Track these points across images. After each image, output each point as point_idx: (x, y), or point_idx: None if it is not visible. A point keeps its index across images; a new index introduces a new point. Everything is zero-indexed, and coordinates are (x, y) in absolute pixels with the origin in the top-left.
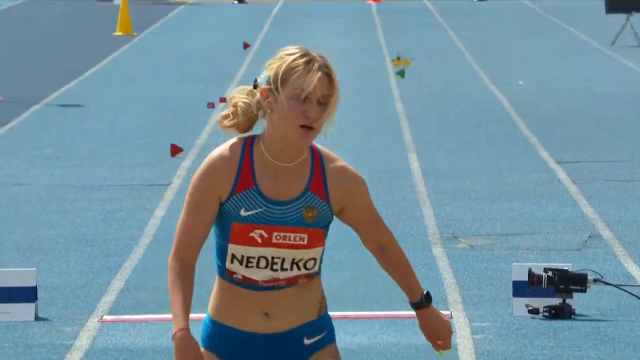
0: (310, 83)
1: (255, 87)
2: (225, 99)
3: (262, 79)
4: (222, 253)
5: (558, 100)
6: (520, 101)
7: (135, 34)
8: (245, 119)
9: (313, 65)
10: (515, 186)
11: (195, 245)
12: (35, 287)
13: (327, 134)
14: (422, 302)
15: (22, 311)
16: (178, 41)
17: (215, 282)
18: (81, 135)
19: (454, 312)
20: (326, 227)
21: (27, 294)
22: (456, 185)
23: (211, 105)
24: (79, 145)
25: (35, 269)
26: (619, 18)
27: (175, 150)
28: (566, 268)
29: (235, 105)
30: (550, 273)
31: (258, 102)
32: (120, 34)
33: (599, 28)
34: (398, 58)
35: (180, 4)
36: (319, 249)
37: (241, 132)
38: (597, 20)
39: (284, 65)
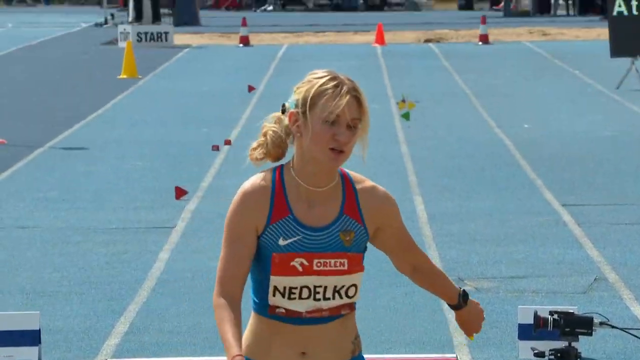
0: (339, 106)
1: (283, 112)
2: (230, 141)
3: (290, 102)
4: (262, 288)
5: (563, 143)
6: (525, 144)
7: (140, 77)
8: (275, 147)
9: (342, 88)
10: (520, 229)
11: (239, 280)
12: (39, 331)
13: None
14: (459, 304)
15: (25, 355)
16: (183, 84)
17: (251, 319)
18: (85, 178)
19: (460, 355)
20: (363, 252)
21: (30, 338)
22: (461, 228)
23: (216, 148)
24: (83, 188)
25: (38, 312)
26: (624, 62)
27: (179, 192)
28: (572, 311)
29: (265, 135)
30: (556, 316)
31: (286, 127)
32: (125, 77)
33: (604, 72)
34: (403, 100)
35: (185, 47)
36: (359, 275)
37: (273, 161)
38: (602, 64)
39: (313, 89)
